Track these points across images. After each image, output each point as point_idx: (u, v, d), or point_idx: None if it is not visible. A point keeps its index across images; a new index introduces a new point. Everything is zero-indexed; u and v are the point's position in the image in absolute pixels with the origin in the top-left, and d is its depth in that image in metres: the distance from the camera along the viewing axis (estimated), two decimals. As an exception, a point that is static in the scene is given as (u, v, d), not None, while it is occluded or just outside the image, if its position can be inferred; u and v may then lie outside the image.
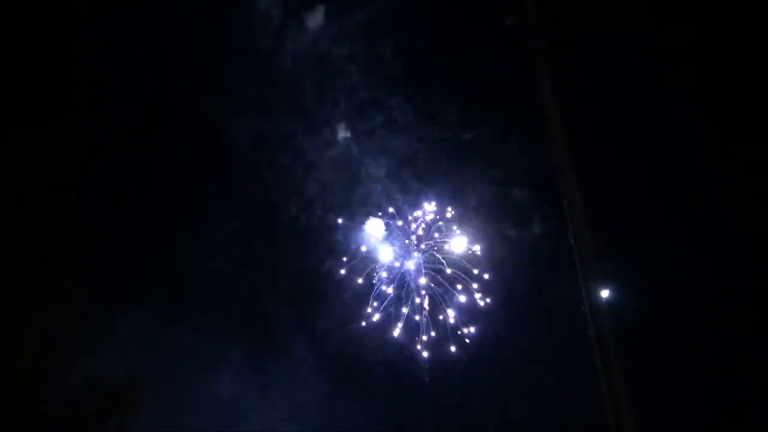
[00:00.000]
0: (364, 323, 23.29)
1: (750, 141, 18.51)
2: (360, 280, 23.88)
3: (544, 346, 19.95)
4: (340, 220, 24.69)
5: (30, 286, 13.18)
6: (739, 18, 18.54)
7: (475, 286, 23.10)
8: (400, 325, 23.15)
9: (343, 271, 24.06)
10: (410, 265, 24.17)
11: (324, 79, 26.01)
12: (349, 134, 26.46)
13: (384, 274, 23.93)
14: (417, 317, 23.18)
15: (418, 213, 24.88)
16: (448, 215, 24.50)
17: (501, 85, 20.08)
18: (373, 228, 24.59)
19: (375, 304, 23.59)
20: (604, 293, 10.55)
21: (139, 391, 14.06)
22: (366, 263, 24.31)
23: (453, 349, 22.37)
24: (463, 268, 23.73)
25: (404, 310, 23.45)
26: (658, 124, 20.55)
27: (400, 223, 24.71)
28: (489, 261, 23.38)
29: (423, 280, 23.65)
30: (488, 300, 22.80)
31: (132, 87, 22.36)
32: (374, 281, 24.07)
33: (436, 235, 24.18)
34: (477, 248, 23.60)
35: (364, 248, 24.45)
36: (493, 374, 20.85)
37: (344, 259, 24.04)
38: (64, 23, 17.30)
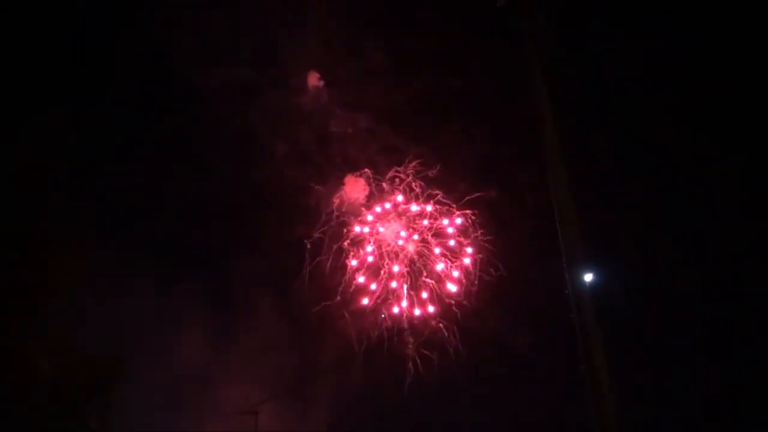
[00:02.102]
0: (339, 290, 23.98)
1: (741, 132, 19.68)
2: (335, 246, 24.33)
3: (527, 323, 21.28)
4: (311, 182, 24.95)
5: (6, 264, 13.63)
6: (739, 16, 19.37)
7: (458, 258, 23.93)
8: (377, 293, 23.97)
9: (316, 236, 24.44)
10: (390, 230, 24.69)
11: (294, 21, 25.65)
12: (322, 84, 26.36)
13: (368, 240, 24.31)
14: (396, 286, 24.02)
15: (398, 173, 25.13)
16: (431, 175, 24.74)
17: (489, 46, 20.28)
18: (352, 188, 24.77)
19: (351, 270, 24.25)
20: (588, 277, 11.50)
21: (121, 367, 14.85)
22: (341, 227, 24.71)
23: (434, 322, 23.41)
24: (446, 235, 24.47)
25: (383, 279, 24.21)
26: (647, 110, 21.33)
27: (379, 183, 24.97)
28: (474, 228, 24.13)
29: (408, 247, 24.18)
30: (472, 272, 23.73)
31: (85, 33, 21.89)
32: (348, 246, 24.52)
33: (419, 200, 24.63)
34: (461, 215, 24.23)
35: (338, 211, 24.72)
36: (476, 352, 22.16)
37: (317, 226, 24.37)
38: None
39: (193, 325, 23.27)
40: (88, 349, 14.97)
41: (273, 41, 25.51)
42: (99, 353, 15.04)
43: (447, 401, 22.10)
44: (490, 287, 22.82)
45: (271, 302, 24.19)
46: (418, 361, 22.65)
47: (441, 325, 22.85)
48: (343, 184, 24.92)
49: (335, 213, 24.65)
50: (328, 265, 23.98)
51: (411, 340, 22.76)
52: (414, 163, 24.61)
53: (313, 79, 26.30)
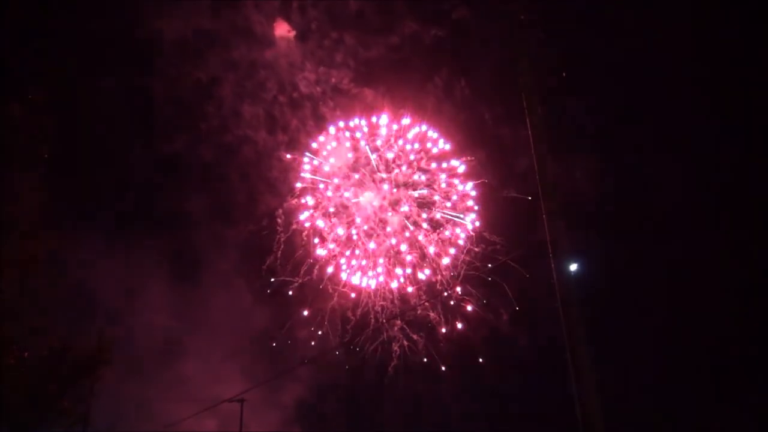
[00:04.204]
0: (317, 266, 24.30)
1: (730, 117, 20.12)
2: (308, 215, 24.46)
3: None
4: (282, 145, 24.83)
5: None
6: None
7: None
8: (354, 263, 24.40)
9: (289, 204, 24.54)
10: (368, 196, 24.77)
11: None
12: (292, 35, 25.82)
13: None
14: (376, 258, 24.45)
15: (376, 131, 25.01)
16: (411, 136, 24.73)
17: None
18: (328, 153, 24.58)
19: (329, 241, 24.52)
20: (573, 266, 11.96)
21: (108, 355, 15.18)
22: (315, 194, 24.73)
23: (411, 289, 23.96)
24: (427, 203, 24.75)
25: (360, 250, 24.58)
26: (636, 97, 21.61)
27: (357, 147, 24.88)
28: (455, 195, 24.44)
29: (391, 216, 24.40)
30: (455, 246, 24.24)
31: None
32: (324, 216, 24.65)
33: (399, 162, 24.67)
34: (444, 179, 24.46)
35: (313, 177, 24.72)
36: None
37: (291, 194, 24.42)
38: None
39: (162, 297, 23.66)
40: (64, 329, 15.27)
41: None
42: (73, 333, 15.36)
43: (431, 383, 23.04)
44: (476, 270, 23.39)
45: (243, 275, 24.55)
46: (405, 342, 23.39)
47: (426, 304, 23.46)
48: (317, 148, 24.83)
49: (309, 179, 24.69)
50: (304, 235, 24.25)
51: (396, 321, 23.32)
52: (396, 127, 24.55)
53: (282, 30, 25.76)
